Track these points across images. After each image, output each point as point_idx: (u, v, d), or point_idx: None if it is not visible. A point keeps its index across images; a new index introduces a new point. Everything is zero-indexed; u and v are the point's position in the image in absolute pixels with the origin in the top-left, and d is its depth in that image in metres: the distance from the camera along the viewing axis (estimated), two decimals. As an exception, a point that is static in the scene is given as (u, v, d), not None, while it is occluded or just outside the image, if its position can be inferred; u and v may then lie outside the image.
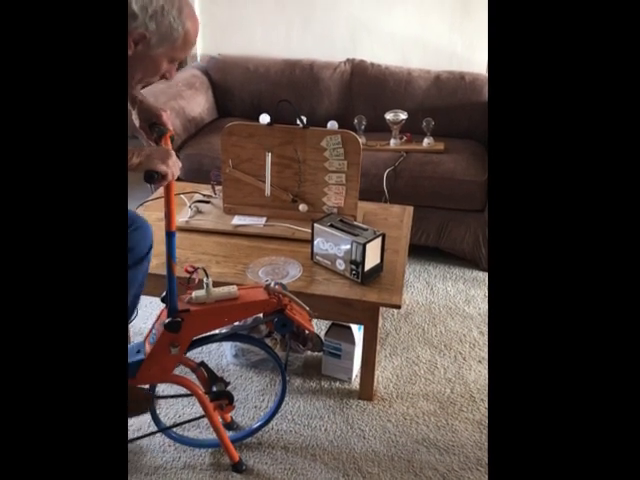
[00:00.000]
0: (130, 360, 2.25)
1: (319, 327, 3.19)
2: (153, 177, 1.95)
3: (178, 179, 2.05)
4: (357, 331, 2.88)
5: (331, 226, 2.72)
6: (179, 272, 2.20)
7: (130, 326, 2.72)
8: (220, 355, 3.11)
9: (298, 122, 2.97)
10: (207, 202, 3.26)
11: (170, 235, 2.10)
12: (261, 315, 2.34)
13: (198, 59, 5.13)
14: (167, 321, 2.18)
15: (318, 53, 4.83)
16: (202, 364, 2.45)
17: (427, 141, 4.15)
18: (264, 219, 3.10)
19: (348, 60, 4.72)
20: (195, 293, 2.23)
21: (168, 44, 1.89)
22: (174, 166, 1.99)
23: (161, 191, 2.32)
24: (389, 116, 4.17)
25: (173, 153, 2.02)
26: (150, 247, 2.40)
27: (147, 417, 2.48)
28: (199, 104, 4.58)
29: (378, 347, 2.78)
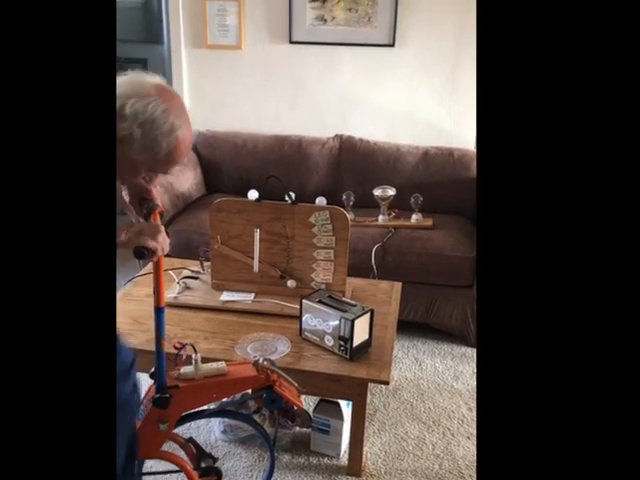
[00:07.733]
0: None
1: (307, 403, 3.17)
2: (143, 253, 1.95)
3: (167, 255, 2.06)
4: (345, 407, 2.87)
5: (319, 302, 2.72)
6: (168, 348, 2.20)
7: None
8: (208, 431, 3.08)
9: (287, 198, 3.00)
10: (196, 278, 3.27)
11: (159, 311, 2.11)
12: (250, 391, 2.33)
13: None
14: (155, 397, 2.17)
15: (307, 129, 4.88)
16: (190, 440, 2.43)
17: (415, 217, 4.18)
18: (252, 295, 3.10)
19: (337, 136, 4.77)
20: (184, 369, 2.22)
21: (149, 155, 1.91)
22: (164, 242, 1.99)
23: (150, 267, 2.33)
24: (377, 192, 4.21)
25: (162, 229, 2.02)
26: (131, 363, 2.17)
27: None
28: (188, 180, 4.62)
29: (366, 423, 2.77)
